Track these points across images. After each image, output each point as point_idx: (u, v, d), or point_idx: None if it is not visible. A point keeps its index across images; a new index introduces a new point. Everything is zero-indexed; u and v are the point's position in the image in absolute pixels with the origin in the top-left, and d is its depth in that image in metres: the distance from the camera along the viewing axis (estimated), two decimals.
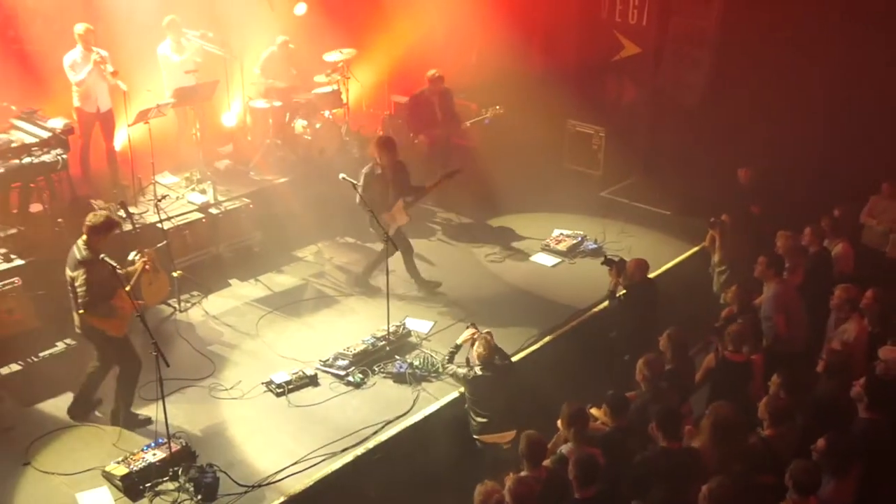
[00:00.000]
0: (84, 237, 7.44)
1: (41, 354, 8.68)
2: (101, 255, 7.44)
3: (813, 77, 11.87)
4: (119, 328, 7.59)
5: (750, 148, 11.73)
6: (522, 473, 6.34)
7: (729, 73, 12.48)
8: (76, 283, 7.36)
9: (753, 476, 6.26)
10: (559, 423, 6.84)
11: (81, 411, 7.96)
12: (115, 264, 7.50)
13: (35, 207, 9.73)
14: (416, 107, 12.01)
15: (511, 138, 12.86)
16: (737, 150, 11.81)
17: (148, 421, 7.83)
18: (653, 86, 13.28)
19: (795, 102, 11.87)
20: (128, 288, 7.48)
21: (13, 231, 9.55)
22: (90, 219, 7.46)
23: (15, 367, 8.47)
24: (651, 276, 10.32)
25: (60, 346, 8.59)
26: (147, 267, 7.83)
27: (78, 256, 7.37)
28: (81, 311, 7.38)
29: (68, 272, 7.48)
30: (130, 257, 8.87)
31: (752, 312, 8.57)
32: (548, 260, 11.01)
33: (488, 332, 8.11)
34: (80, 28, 10.33)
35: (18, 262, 9.04)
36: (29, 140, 9.55)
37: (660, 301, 9.04)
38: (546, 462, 6.59)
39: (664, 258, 10.98)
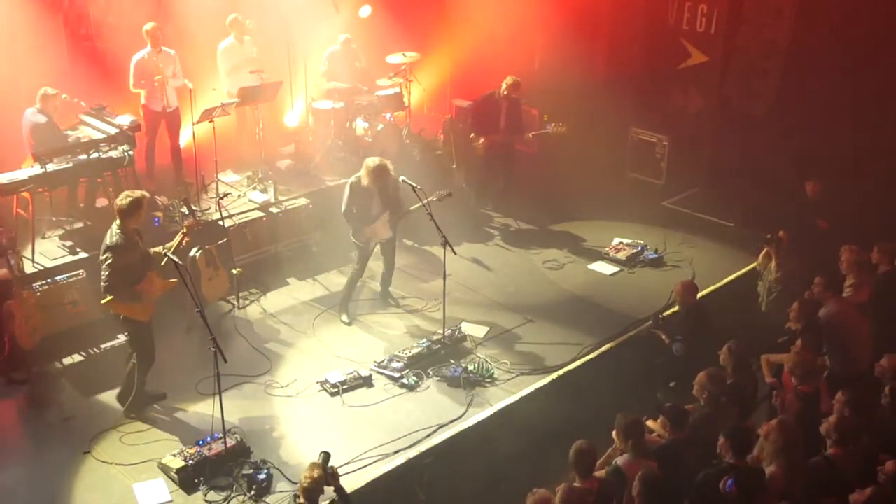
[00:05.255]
0: (117, 222, 7.48)
1: (103, 346, 8.93)
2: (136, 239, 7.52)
3: (885, 89, 11.54)
4: (144, 312, 7.63)
5: (818, 160, 11.44)
6: (574, 484, 6.25)
7: (798, 83, 12.17)
8: (102, 267, 7.43)
9: (817, 497, 6.10)
10: (614, 434, 6.73)
11: (138, 405, 8.02)
12: (149, 249, 7.64)
13: (101, 202, 9.95)
14: (483, 108, 11.94)
15: (573, 145, 12.73)
16: (805, 162, 11.53)
17: (159, 396, 8.03)
18: (719, 95, 13.04)
19: (866, 115, 11.55)
20: (163, 263, 7.52)
21: (79, 225, 9.82)
22: (117, 202, 7.50)
23: (77, 357, 8.66)
24: (711, 288, 10.22)
25: (122, 338, 8.68)
26: (187, 239, 7.82)
27: (108, 241, 7.43)
28: (105, 299, 7.43)
29: (100, 256, 7.55)
30: (192, 254, 9.03)
31: (815, 329, 8.31)
32: (606, 268, 10.87)
33: None
34: (148, 26, 10.55)
35: (83, 255, 9.30)
36: (97, 136, 9.78)
37: (712, 325, 8.75)
38: (600, 473, 6.49)
39: (726, 271, 10.78)
